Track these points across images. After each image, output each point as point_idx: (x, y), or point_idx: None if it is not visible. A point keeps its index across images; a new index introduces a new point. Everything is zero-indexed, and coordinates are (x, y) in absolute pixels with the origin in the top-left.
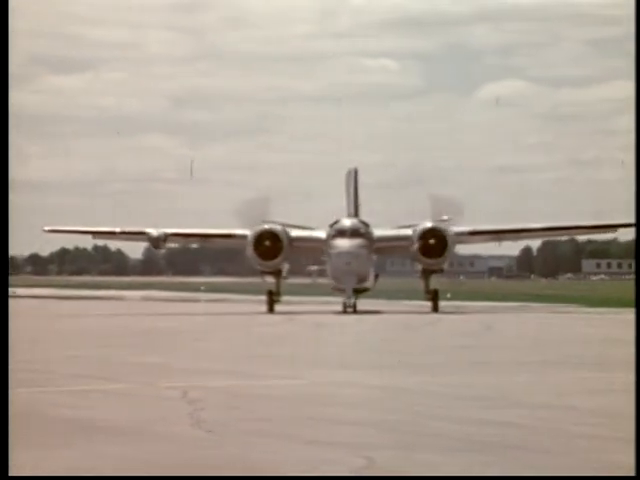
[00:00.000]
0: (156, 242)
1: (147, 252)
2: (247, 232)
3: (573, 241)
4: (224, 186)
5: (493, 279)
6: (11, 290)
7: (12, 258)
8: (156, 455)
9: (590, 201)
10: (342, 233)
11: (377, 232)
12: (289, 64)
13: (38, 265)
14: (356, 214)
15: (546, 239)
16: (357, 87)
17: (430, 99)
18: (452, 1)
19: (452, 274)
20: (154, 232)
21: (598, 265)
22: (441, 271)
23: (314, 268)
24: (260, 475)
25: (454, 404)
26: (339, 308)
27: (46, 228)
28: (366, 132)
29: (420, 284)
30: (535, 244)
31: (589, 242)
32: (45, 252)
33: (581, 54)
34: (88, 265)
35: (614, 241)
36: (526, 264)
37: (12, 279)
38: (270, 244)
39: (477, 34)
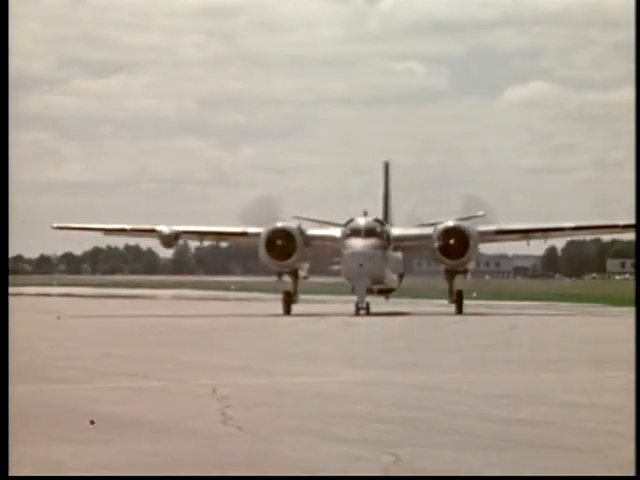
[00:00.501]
0: (166, 239)
1: (177, 252)
2: (261, 230)
3: (598, 241)
4: (254, 187)
5: (518, 279)
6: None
7: (46, 257)
8: (188, 451)
9: (616, 201)
10: (356, 233)
11: (396, 231)
12: (319, 67)
13: (72, 264)
14: (386, 206)
15: (571, 239)
16: (386, 90)
17: (458, 101)
18: (479, 5)
19: (478, 274)
20: (165, 229)
21: (622, 265)
22: (465, 272)
23: (337, 267)
24: (260, 475)
25: (481, 402)
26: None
27: (54, 225)
28: (396, 133)
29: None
30: (560, 244)
31: (614, 242)
32: (78, 251)
33: (606, 57)
34: (120, 264)
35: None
36: (551, 264)
37: (46, 278)
38: (283, 243)
39: (503, 38)
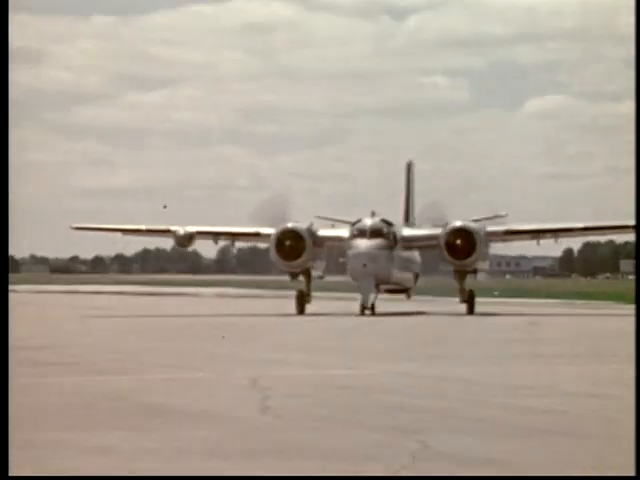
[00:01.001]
0: (181, 240)
1: (220, 252)
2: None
3: (612, 243)
4: (291, 194)
5: (537, 278)
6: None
7: (100, 258)
8: (229, 438)
9: (628, 206)
10: (362, 233)
11: (406, 232)
12: (350, 81)
13: (123, 264)
14: (407, 206)
15: (586, 241)
16: (412, 102)
17: (479, 113)
18: (498, 23)
19: (499, 273)
20: (179, 230)
21: (635, 265)
22: (475, 272)
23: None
24: (260, 475)
25: (505, 393)
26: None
27: (74, 225)
28: (421, 143)
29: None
30: (576, 246)
31: (626, 244)
32: (129, 252)
33: (617, 70)
34: (167, 264)
35: None
36: (568, 264)
37: (99, 277)
38: (292, 244)
39: (522, 53)
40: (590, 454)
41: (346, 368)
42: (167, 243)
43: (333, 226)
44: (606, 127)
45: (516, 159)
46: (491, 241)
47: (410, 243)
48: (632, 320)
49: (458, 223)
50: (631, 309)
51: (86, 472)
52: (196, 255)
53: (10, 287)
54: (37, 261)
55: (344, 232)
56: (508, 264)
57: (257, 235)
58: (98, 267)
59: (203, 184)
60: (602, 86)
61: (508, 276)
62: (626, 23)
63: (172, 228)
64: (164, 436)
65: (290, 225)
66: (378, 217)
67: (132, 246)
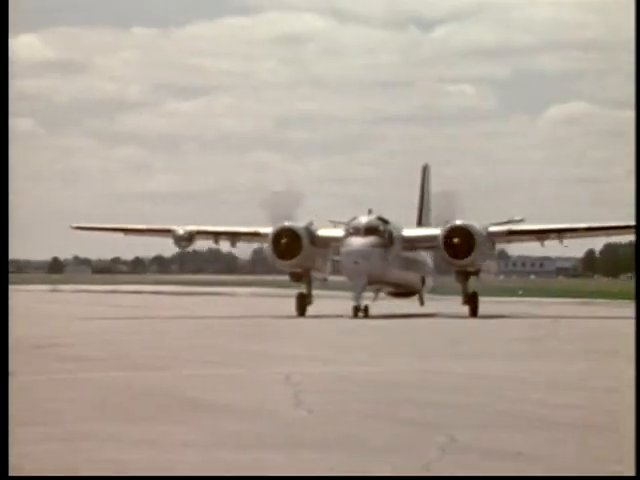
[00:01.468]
0: (181, 240)
1: (254, 253)
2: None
3: (633, 244)
4: (320, 195)
5: (560, 278)
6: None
7: (140, 259)
8: (265, 431)
9: None
10: (356, 231)
11: (407, 232)
12: (379, 89)
13: (162, 265)
14: (421, 208)
15: (607, 242)
16: (440, 109)
17: (505, 119)
18: (523, 33)
19: (523, 273)
20: (180, 230)
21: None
22: (476, 273)
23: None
24: (260, 475)
25: (527, 388)
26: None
27: (73, 225)
28: (448, 148)
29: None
30: (598, 247)
31: None
32: (167, 254)
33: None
34: (204, 265)
35: None
36: (590, 265)
37: (139, 277)
38: (288, 243)
39: (545, 62)
40: (618, 447)
41: (373, 365)
42: (204, 245)
43: (335, 226)
44: (626, 133)
45: (540, 163)
46: (495, 242)
47: (411, 243)
48: None
49: (457, 222)
50: None
51: (132, 464)
52: (231, 256)
53: (54, 287)
54: (80, 262)
55: (340, 232)
56: (532, 265)
57: (257, 235)
58: (138, 268)
59: (239, 188)
60: (622, 93)
61: (532, 276)
62: None
63: (172, 228)
64: (203, 429)
65: (287, 224)
66: (375, 215)
67: (170, 247)
